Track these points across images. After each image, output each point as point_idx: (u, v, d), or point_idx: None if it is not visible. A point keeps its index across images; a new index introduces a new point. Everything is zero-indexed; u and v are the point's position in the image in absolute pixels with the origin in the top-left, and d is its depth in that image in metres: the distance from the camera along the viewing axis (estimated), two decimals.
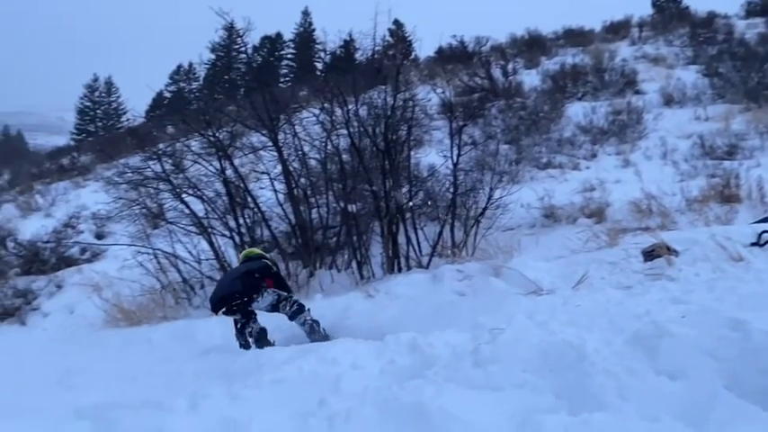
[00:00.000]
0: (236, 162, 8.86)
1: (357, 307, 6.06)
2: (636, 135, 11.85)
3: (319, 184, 8.85)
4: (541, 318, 3.86)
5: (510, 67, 17.25)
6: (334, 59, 12.01)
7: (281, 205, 8.65)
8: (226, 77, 32.95)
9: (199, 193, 8.67)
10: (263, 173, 8.95)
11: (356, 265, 7.95)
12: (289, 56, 37.99)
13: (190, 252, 8.83)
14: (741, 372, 2.65)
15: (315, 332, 5.36)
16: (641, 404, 2.58)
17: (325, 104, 8.48)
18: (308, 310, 5.53)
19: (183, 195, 8.66)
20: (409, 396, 2.89)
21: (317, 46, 32.88)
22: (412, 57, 19.14)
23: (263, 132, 8.58)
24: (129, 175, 9.04)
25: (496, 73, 16.77)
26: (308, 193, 8.69)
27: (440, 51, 22.16)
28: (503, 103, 14.34)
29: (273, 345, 5.20)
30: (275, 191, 8.72)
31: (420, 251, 7.88)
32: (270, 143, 8.48)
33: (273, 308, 5.48)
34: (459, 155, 7.86)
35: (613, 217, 7.92)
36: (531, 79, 17.07)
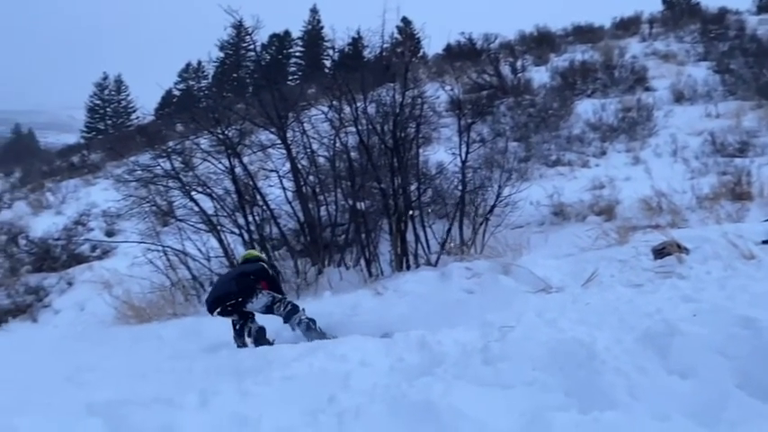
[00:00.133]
0: (245, 160, 8.91)
1: (366, 304, 6.08)
2: (646, 132, 11.75)
3: (328, 181, 8.88)
4: (551, 315, 3.85)
5: (519, 64, 17.19)
6: (343, 57, 12.01)
7: (289, 203, 8.68)
8: (234, 75, 32.96)
9: (208, 190, 8.74)
10: (271, 170, 8.99)
11: (365, 262, 7.95)
12: (297, 54, 37.94)
13: (199, 249, 8.89)
14: (753, 370, 2.62)
15: (311, 330, 5.37)
16: (652, 403, 2.56)
17: (334, 102, 8.52)
18: (303, 309, 5.54)
19: (193, 193, 8.73)
20: (418, 393, 2.89)
21: (325, 44, 32.85)
22: (420, 54, 19.03)
23: (272, 130, 8.61)
24: (139, 172, 9.13)
25: (505, 70, 16.70)
26: (317, 190, 8.72)
27: (448, 49, 22.03)
28: (511, 101, 14.29)
29: (272, 344, 5.25)
30: (284, 188, 8.76)
31: (429, 249, 7.88)
32: (278, 141, 8.52)
33: (268, 309, 5.50)
34: (467, 152, 7.85)
35: (623, 215, 7.88)
36: (540, 76, 16.98)
